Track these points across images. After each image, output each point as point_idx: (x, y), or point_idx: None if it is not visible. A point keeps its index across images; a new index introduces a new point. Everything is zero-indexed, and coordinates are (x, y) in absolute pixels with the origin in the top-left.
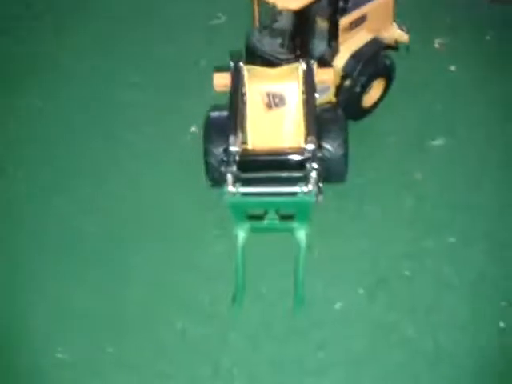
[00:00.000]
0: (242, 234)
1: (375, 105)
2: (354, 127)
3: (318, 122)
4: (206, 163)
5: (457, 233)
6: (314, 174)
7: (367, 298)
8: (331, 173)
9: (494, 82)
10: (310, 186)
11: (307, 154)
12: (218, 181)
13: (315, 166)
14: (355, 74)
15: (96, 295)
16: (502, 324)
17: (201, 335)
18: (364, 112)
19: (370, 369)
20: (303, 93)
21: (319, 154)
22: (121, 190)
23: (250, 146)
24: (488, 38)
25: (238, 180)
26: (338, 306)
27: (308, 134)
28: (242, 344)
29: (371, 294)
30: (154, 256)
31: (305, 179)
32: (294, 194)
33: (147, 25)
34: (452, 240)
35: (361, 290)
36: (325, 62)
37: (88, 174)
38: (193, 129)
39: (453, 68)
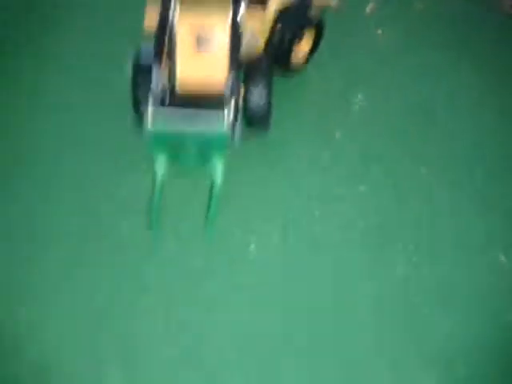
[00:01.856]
0: (160, 167)
1: (304, 62)
2: (282, 83)
3: (243, 67)
4: (134, 96)
5: (367, 183)
6: (231, 111)
7: (279, 239)
8: (255, 119)
9: (413, 48)
10: (226, 122)
11: (226, 91)
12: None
13: (233, 101)
14: (286, 21)
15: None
16: (398, 265)
17: (115, 263)
18: (293, 67)
19: (276, 308)
20: (230, 32)
21: (240, 93)
22: (53, 124)
23: (177, 86)
24: (417, 5)
25: (158, 114)
26: (252, 246)
27: (229, 69)
28: (158, 273)
29: (283, 235)
30: (75, 187)
31: (222, 116)
32: (210, 129)
33: None
34: (362, 188)
35: (274, 233)
36: (259, 3)
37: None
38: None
39: (380, 32)
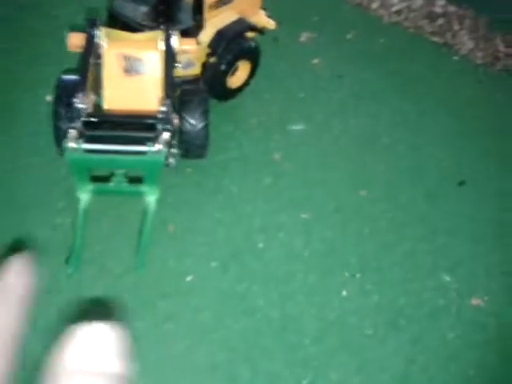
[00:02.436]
0: (84, 196)
1: (240, 88)
2: (218, 107)
3: (179, 93)
4: (56, 128)
5: (310, 209)
6: (164, 135)
7: (220, 270)
8: (192, 147)
9: (350, 75)
10: (160, 146)
11: (160, 115)
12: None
13: (167, 126)
14: (220, 50)
15: None
16: (344, 292)
17: (38, 312)
18: (229, 93)
19: (215, 336)
20: (163, 60)
21: (175, 120)
22: None
23: (104, 110)
24: (349, 36)
25: (81, 136)
26: (189, 278)
27: (163, 97)
28: (85, 318)
29: (224, 267)
30: None
31: (155, 139)
32: (142, 153)
33: None
34: (304, 216)
35: (214, 263)
36: (190, 37)
37: None
38: (48, 98)
39: (316, 61)
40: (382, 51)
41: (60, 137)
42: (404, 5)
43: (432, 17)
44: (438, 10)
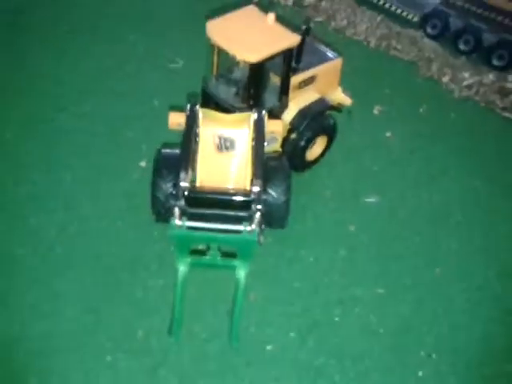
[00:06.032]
0: (182, 268)
1: (317, 160)
2: (295, 178)
3: (264, 168)
4: (153, 197)
5: (385, 284)
6: (258, 215)
7: (298, 341)
8: (273, 218)
9: (422, 150)
10: (254, 226)
11: (253, 196)
12: (163, 215)
13: (259, 207)
14: (301, 128)
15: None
16: (420, 373)
17: (131, 369)
18: (306, 165)
19: None
20: (253, 140)
21: (263, 197)
22: (63, 218)
23: (198, 184)
24: (420, 110)
25: (184, 214)
26: (269, 347)
27: (255, 177)
28: (173, 380)
29: (302, 338)
30: (89, 284)
31: (249, 219)
32: (237, 231)
33: (105, 56)
34: (380, 291)
35: (292, 334)
36: (274, 115)
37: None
38: (142, 164)
39: (388, 134)
40: (453, 126)
41: (157, 205)
42: (475, 79)
43: (503, 92)
44: (510, 85)
